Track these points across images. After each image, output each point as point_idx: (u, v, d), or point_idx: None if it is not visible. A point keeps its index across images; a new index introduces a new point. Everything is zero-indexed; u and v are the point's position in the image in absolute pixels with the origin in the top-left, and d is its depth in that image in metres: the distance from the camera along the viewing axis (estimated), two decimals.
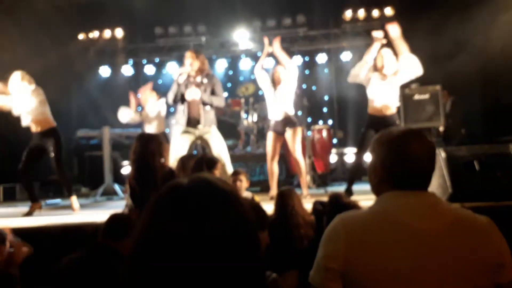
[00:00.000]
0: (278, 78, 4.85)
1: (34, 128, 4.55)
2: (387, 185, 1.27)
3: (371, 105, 4.45)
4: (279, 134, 4.88)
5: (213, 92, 4.57)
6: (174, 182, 0.74)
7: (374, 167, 1.32)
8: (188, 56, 4.54)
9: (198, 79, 4.54)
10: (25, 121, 4.52)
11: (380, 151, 1.31)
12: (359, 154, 4.55)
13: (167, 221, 0.67)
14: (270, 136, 4.92)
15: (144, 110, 5.71)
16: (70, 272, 2.07)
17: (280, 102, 4.83)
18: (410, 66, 4.27)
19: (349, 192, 4.41)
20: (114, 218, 2.36)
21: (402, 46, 4.30)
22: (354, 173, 4.70)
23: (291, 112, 4.88)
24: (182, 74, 4.53)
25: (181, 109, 4.55)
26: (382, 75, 4.36)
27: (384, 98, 4.37)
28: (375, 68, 4.41)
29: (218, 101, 4.59)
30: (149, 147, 3.17)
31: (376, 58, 4.40)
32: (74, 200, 4.70)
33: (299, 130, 4.87)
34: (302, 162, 4.88)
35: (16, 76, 4.47)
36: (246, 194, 3.73)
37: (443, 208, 1.22)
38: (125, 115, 5.63)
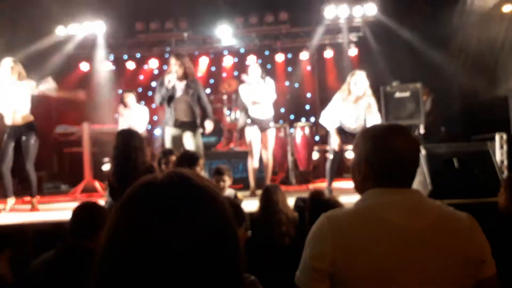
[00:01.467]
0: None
1: (15, 121, 4.43)
2: (371, 182, 1.26)
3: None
4: (260, 129, 5.02)
5: (199, 98, 4.71)
6: (148, 178, 0.69)
7: (358, 163, 1.31)
8: (173, 64, 4.60)
9: (183, 83, 4.64)
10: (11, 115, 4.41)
11: (364, 147, 1.29)
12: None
13: (138, 218, 0.63)
14: (250, 130, 5.03)
15: (125, 109, 5.67)
16: (39, 275, 1.98)
17: (260, 103, 4.98)
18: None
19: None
20: (78, 214, 2.18)
21: None
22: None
23: (271, 114, 5.09)
24: (170, 81, 4.56)
25: (169, 111, 4.66)
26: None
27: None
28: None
29: (210, 110, 4.84)
30: (131, 143, 3.14)
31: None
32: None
33: (274, 131, 5.16)
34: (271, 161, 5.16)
35: (9, 64, 4.36)
36: (229, 192, 3.71)
37: (427, 206, 1.22)
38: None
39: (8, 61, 4.35)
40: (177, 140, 4.63)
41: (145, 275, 0.60)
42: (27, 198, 5.55)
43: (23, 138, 4.44)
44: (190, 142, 4.61)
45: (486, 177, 3.67)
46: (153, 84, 5.16)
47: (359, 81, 4.44)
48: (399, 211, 1.18)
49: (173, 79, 4.56)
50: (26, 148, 4.44)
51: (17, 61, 4.42)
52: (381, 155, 1.25)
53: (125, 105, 5.77)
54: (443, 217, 1.20)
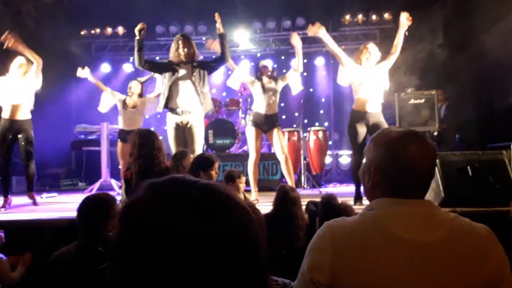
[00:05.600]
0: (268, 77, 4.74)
1: (13, 116, 4.52)
2: (380, 190, 1.17)
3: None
4: (261, 129, 4.67)
5: (208, 66, 4.43)
6: (176, 176, 0.66)
7: (368, 169, 1.21)
8: (180, 45, 4.34)
9: (188, 66, 4.30)
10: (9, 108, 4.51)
11: (375, 153, 1.20)
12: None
13: (170, 215, 0.59)
14: (251, 130, 4.65)
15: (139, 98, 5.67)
16: (60, 266, 2.03)
17: (268, 98, 4.67)
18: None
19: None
20: (84, 207, 2.17)
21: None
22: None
23: (276, 110, 4.75)
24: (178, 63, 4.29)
25: (170, 96, 4.30)
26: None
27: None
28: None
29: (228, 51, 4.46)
30: (153, 143, 3.16)
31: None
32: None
33: (280, 129, 4.74)
34: (290, 162, 4.69)
35: (20, 61, 4.51)
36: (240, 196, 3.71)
37: (440, 218, 1.11)
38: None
39: (20, 59, 4.52)
40: (180, 129, 4.29)
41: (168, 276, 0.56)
42: (44, 195, 5.71)
43: (22, 134, 4.53)
44: (193, 131, 4.27)
45: (501, 186, 3.63)
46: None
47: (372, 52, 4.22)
48: (408, 224, 1.08)
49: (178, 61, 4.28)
50: (26, 145, 4.53)
51: (29, 61, 4.56)
52: (393, 163, 1.15)
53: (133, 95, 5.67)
54: (457, 231, 1.08)
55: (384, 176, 1.16)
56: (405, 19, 4.29)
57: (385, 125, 4.14)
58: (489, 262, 1.06)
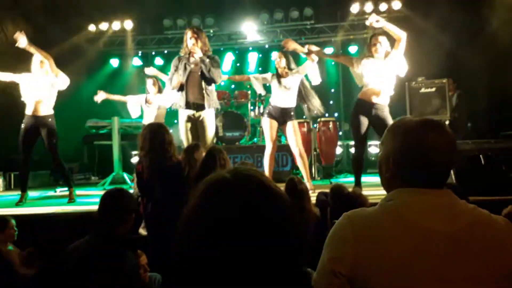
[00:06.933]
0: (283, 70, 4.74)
1: (36, 112, 4.59)
2: (399, 181, 1.16)
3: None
4: (276, 121, 4.70)
5: (211, 65, 4.33)
6: (219, 176, 0.78)
7: (385, 160, 1.20)
8: (190, 37, 4.31)
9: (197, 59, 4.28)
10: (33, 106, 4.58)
11: (393, 143, 1.19)
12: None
13: (216, 207, 0.71)
14: (267, 121, 4.70)
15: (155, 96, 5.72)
16: (75, 258, 2.06)
17: (284, 92, 4.69)
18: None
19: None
20: (107, 201, 2.22)
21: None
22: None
23: (293, 104, 4.76)
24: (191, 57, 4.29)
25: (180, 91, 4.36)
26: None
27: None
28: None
29: (215, 74, 4.29)
30: (164, 137, 3.17)
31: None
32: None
33: (296, 123, 4.77)
34: (305, 155, 4.76)
35: (39, 58, 4.57)
36: None
37: (459, 209, 1.11)
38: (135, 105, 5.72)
39: (39, 56, 4.57)
40: (192, 123, 4.33)
41: (224, 257, 0.68)
42: (58, 189, 5.80)
43: (44, 129, 4.59)
44: (204, 124, 4.29)
45: None
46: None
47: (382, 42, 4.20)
48: (428, 214, 1.08)
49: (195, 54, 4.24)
50: (49, 139, 4.59)
51: (48, 57, 4.62)
52: (411, 153, 1.14)
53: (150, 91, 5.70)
54: (476, 222, 1.08)
55: (403, 166, 1.15)
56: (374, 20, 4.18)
57: (389, 118, 4.11)
58: (507, 253, 1.06)
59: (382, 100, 4.17)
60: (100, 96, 5.74)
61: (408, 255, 1.03)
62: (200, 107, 4.31)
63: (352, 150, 8.00)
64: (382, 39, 4.22)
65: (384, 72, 4.16)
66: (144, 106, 5.64)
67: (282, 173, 5.81)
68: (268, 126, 4.71)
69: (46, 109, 4.64)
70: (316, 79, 4.83)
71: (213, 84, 4.40)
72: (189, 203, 0.76)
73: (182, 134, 4.43)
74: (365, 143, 4.22)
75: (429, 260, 1.03)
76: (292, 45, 4.62)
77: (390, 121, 4.07)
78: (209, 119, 4.35)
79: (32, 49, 4.51)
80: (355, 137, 4.30)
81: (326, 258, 1.12)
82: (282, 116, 4.70)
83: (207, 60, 4.29)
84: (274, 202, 0.74)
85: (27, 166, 4.69)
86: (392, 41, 4.20)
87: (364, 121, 4.17)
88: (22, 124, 4.60)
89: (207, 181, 0.78)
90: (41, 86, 4.59)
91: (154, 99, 5.56)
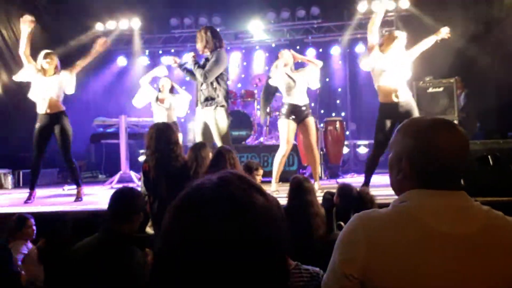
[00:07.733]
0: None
1: (48, 110, 4.62)
2: (411, 182, 1.13)
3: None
4: (294, 121, 4.68)
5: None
6: (199, 184, 0.74)
7: (397, 161, 1.17)
8: (197, 37, 4.44)
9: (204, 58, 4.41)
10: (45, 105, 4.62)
11: (405, 143, 1.16)
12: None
13: (189, 226, 0.66)
14: (285, 123, 4.65)
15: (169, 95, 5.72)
16: (83, 255, 2.08)
17: (298, 89, 4.70)
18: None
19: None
20: (117, 199, 2.24)
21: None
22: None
23: (307, 101, 4.78)
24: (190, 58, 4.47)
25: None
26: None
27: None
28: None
29: (198, 72, 4.33)
30: (170, 136, 3.18)
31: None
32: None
33: (313, 120, 4.77)
34: (318, 154, 4.76)
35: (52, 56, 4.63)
36: None
37: (473, 211, 1.09)
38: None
39: (44, 54, 4.61)
40: (199, 123, 4.44)
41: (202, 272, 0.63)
42: (66, 187, 5.84)
43: (57, 126, 4.60)
44: (216, 122, 4.33)
45: None
46: (188, 78, 5.10)
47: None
48: (441, 216, 1.06)
49: (188, 58, 4.44)
50: (62, 136, 4.60)
51: (55, 54, 4.64)
52: (424, 153, 1.11)
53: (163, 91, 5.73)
54: (491, 224, 1.06)
55: (415, 167, 1.12)
56: (445, 33, 4.25)
57: (416, 111, 4.07)
58: None
59: (404, 97, 4.12)
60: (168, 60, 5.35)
61: (422, 258, 1.02)
62: (209, 104, 4.35)
63: (360, 150, 8.07)
64: (402, 35, 4.18)
65: (399, 68, 4.12)
66: (155, 104, 5.64)
67: (288, 172, 5.81)
68: (285, 128, 4.65)
69: (58, 106, 4.67)
70: (315, 84, 4.87)
71: (221, 82, 4.40)
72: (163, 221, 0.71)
73: (197, 133, 4.50)
74: (384, 146, 4.17)
75: (443, 263, 1.01)
76: (298, 56, 4.74)
77: (416, 113, 4.06)
78: (220, 117, 4.35)
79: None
80: (374, 139, 4.30)
81: (338, 260, 1.10)
82: (300, 114, 4.67)
83: (192, 59, 4.42)
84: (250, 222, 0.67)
85: (39, 164, 4.71)
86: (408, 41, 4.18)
87: (390, 125, 4.15)
88: (37, 123, 4.62)
89: (179, 198, 0.72)
90: (49, 83, 4.62)
91: (167, 99, 5.58)
